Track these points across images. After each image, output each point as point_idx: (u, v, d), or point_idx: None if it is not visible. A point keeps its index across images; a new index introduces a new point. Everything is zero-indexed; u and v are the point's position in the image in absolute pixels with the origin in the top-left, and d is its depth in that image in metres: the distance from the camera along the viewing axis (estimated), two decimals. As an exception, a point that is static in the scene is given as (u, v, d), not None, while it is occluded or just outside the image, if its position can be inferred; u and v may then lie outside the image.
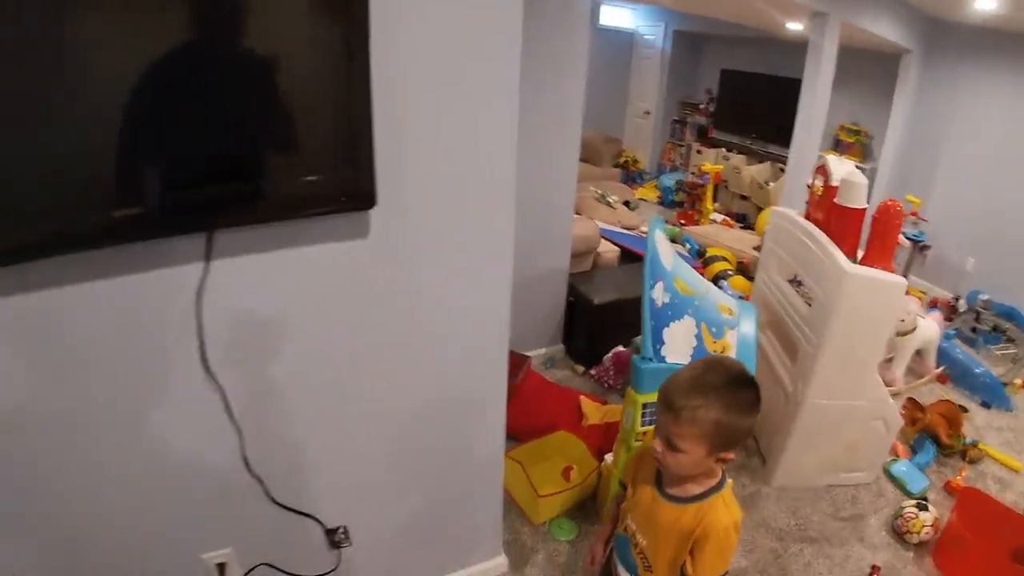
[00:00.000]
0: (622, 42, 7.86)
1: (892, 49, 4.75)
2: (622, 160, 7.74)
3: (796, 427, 2.31)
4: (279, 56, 1.05)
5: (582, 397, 2.94)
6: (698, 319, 2.04)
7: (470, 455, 1.77)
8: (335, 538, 1.65)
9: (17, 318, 1.06)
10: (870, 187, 5.16)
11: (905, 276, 4.69)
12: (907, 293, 4.11)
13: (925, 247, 4.82)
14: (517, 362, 2.91)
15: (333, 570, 1.67)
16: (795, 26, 4.60)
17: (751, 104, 6.72)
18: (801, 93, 4.25)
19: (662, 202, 6.96)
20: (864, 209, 2.19)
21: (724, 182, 6.60)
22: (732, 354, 2.02)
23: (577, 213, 4.79)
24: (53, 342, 1.12)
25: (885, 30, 4.30)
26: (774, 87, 6.06)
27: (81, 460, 1.24)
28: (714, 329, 2.05)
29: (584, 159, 7.04)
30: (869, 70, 5.45)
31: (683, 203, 6.52)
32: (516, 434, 2.50)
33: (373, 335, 1.43)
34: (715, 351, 2.00)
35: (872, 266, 2.11)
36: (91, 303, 1.11)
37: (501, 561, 2.05)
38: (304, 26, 1.05)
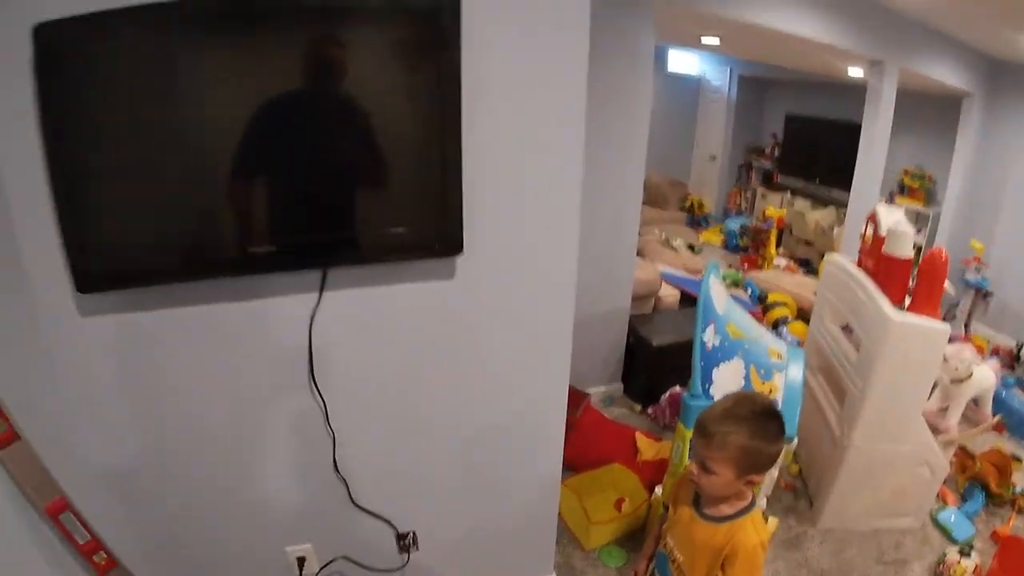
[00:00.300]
0: (689, 87, 8.03)
1: (953, 93, 4.72)
2: (688, 204, 7.83)
3: (842, 470, 2.36)
4: (389, 129, 1.30)
5: (637, 433, 3.05)
6: (747, 361, 2.16)
7: (530, 477, 1.92)
8: (404, 542, 1.84)
9: (177, 321, 1.37)
10: (933, 232, 5.11)
11: (967, 324, 4.64)
12: (968, 340, 4.05)
13: (988, 294, 4.70)
14: (577, 398, 3.07)
15: (400, 568, 1.85)
16: (856, 72, 4.64)
17: (815, 149, 6.74)
18: (861, 138, 4.28)
19: (726, 246, 6.99)
20: (910, 259, 2.27)
21: (788, 227, 6.61)
22: (779, 396, 2.12)
23: (640, 256, 4.96)
24: (203, 344, 1.42)
25: (944, 74, 4.31)
26: (838, 131, 6.09)
27: (200, 444, 1.52)
28: (762, 371, 2.16)
29: (649, 202, 7.23)
30: (931, 114, 5.41)
31: (747, 248, 6.55)
32: (573, 465, 2.66)
33: (450, 363, 1.64)
34: (764, 391, 2.12)
35: (918, 313, 2.18)
36: (228, 319, 1.39)
37: (551, 579, 2.17)
38: (410, 106, 1.30)
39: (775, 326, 4.26)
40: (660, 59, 7.32)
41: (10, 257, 1.23)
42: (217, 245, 1.30)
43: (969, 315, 4.65)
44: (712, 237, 7.25)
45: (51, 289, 1.27)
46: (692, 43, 5.35)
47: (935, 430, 2.88)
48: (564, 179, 1.53)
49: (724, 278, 5.49)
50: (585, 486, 2.60)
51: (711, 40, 4.49)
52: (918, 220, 5.45)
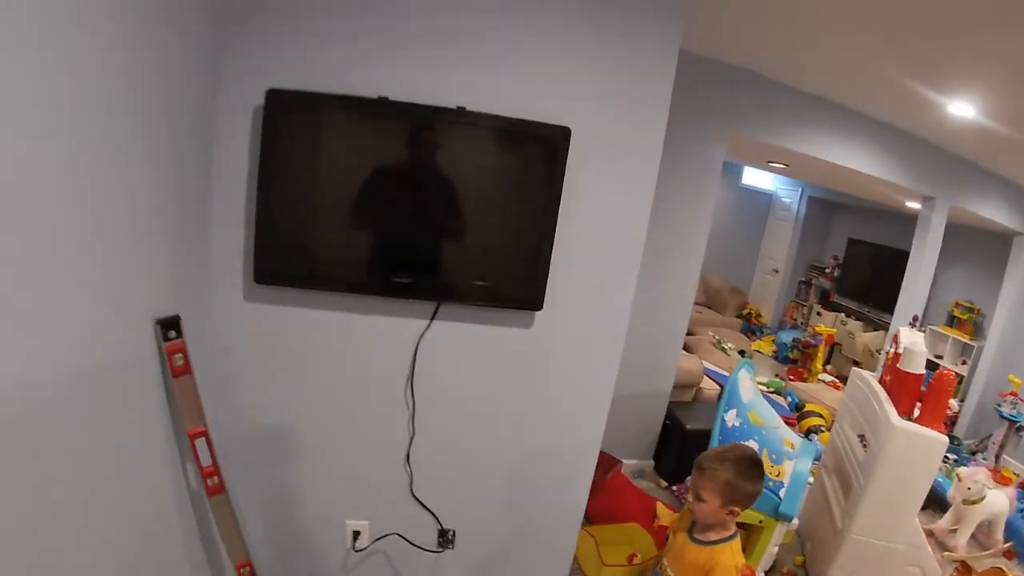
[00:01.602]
0: (761, 202, 8.46)
1: (1004, 230, 4.91)
2: (746, 311, 8.14)
3: (838, 560, 2.59)
4: (507, 211, 1.83)
5: (658, 503, 3.35)
6: (761, 445, 2.50)
7: (558, 505, 2.27)
8: (446, 537, 2.22)
9: (332, 323, 1.90)
10: (975, 364, 5.23)
11: (998, 455, 4.72)
12: (999, 472, 4.15)
13: (1021, 427, 4.80)
14: (610, 462, 3.43)
15: (439, 552, 2.23)
16: (915, 204, 4.89)
17: (873, 273, 6.99)
18: (908, 265, 4.51)
19: (777, 356, 7.23)
20: (920, 375, 2.57)
21: (838, 345, 6.81)
22: (786, 480, 2.44)
23: (690, 351, 5.30)
24: (335, 340, 1.93)
25: (994, 213, 4.55)
26: (896, 259, 6.26)
27: (312, 416, 2.01)
28: (774, 456, 2.49)
29: (709, 305, 7.61)
30: (985, 249, 5.60)
31: (796, 360, 6.78)
32: (597, 520, 2.98)
33: (514, 396, 2.07)
34: (771, 473, 2.44)
35: (922, 424, 2.45)
36: (359, 326, 1.92)
37: (564, 610, 2.47)
38: (525, 197, 1.83)
39: (807, 434, 4.50)
40: (735, 173, 7.81)
41: (202, 254, 1.78)
42: (369, 270, 1.84)
43: (1001, 447, 4.75)
44: (764, 346, 7.50)
45: (227, 278, 1.83)
46: (761, 164, 5.81)
47: (943, 547, 3.07)
48: (626, 266, 2.00)
49: (768, 385, 5.77)
50: (604, 536, 2.91)
51: (778, 165, 4.92)
52: (963, 352, 5.61)
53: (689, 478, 3.71)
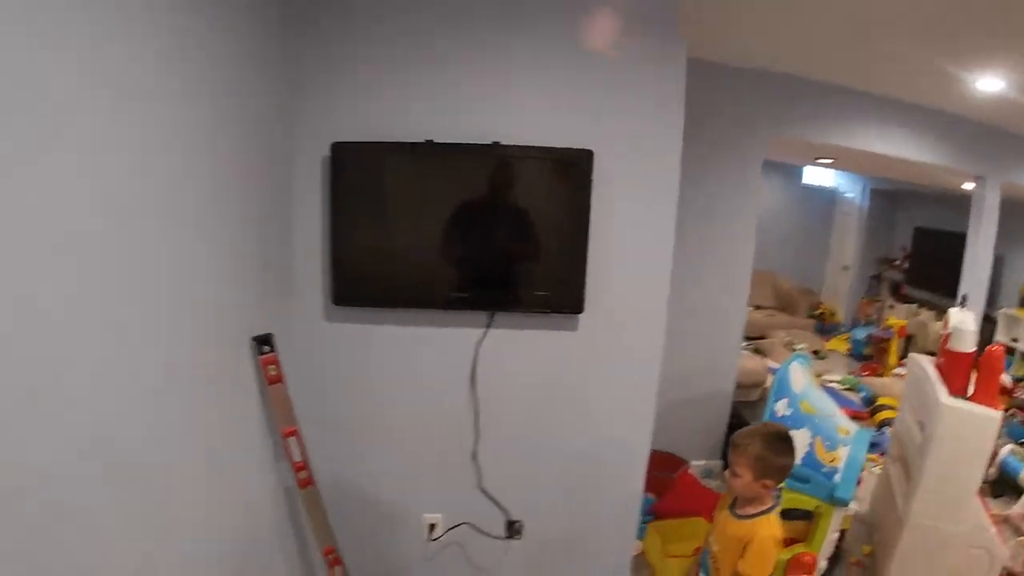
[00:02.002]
0: (824, 200, 8.34)
1: None
2: (818, 312, 8.00)
3: (900, 546, 2.58)
4: (542, 225, 2.07)
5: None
6: (814, 432, 2.58)
7: (617, 495, 2.43)
8: (513, 528, 2.42)
9: (401, 335, 2.19)
10: None
11: None
12: None
13: None
14: (677, 462, 3.59)
15: (508, 542, 2.44)
16: (971, 185, 4.72)
17: (942, 261, 6.70)
18: (966, 248, 4.41)
19: (852, 354, 7.06)
20: (971, 354, 2.57)
21: (913, 337, 6.62)
22: (839, 466, 2.51)
23: (763, 355, 5.33)
24: (406, 351, 2.22)
25: None
26: (962, 245, 6.11)
27: (389, 420, 2.29)
28: (827, 443, 2.56)
29: (780, 308, 7.56)
30: None
31: (872, 356, 6.63)
32: (665, 517, 3.13)
33: (567, 392, 2.28)
34: (825, 459, 2.51)
35: (976, 402, 2.45)
36: (430, 338, 2.19)
37: (627, 597, 2.62)
38: (556, 212, 2.07)
39: (880, 427, 4.45)
40: (795, 172, 7.77)
41: (289, 281, 2.12)
42: (429, 288, 2.12)
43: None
44: (839, 345, 7.34)
45: (310, 302, 2.17)
46: (807, 162, 5.81)
47: (1019, 532, 3.02)
48: (658, 264, 2.20)
49: (842, 382, 5.71)
50: (669, 531, 3.04)
51: (825, 161, 4.94)
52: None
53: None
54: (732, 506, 1.87)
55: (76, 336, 1.10)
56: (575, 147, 2.00)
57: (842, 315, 8.17)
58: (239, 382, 1.79)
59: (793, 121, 3.54)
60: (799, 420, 2.63)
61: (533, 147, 2.00)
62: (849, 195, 8.04)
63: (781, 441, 1.76)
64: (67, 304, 1.07)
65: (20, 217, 0.95)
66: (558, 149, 2.00)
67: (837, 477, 2.49)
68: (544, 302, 2.12)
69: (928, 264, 7.15)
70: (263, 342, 1.84)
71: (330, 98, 2.03)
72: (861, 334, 7.05)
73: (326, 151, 2.01)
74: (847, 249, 8.19)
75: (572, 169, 2.01)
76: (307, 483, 2.05)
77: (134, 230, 1.26)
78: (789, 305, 7.66)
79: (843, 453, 2.58)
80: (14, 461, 0.96)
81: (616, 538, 2.50)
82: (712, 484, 3.81)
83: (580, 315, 2.16)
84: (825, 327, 7.89)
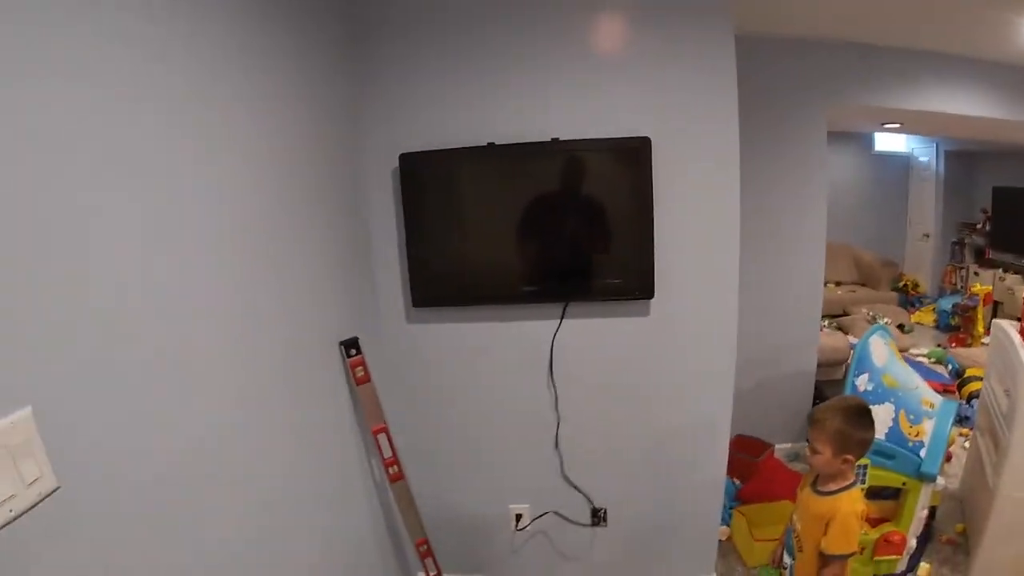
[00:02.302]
0: (898, 166, 7.95)
1: None
2: (901, 284, 7.64)
3: (992, 519, 2.46)
4: (609, 214, 2.12)
5: (806, 475, 3.38)
6: (898, 406, 2.51)
7: (699, 479, 2.43)
8: (598, 515, 2.47)
9: (479, 331, 2.29)
10: None
11: None
12: None
13: None
14: (761, 446, 3.54)
15: (593, 529, 2.48)
16: None
17: (1024, 221, 6.37)
18: None
19: (938, 325, 6.74)
20: None
21: (1000, 304, 6.26)
22: (925, 440, 2.44)
23: (846, 331, 5.17)
24: (483, 346, 2.31)
25: None
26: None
27: (473, 412, 2.39)
28: (912, 416, 2.49)
29: (862, 283, 7.29)
30: None
31: (959, 327, 6.31)
32: (751, 502, 3.09)
33: (643, 377, 2.30)
34: (910, 434, 2.45)
35: None
36: (501, 332, 2.27)
37: (712, 581, 2.60)
38: (621, 200, 2.10)
39: (969, 400, 4.25)
40: (866, 141, 7.47)
41: (370, 287, 2.24)
42: (502, 284, 2.20)
43: None
44: (925, 317, 7.02)
45: (391, 305, 2.29)
46: (876, 128, 5.57)
47: None
48: (726, 244, 2.18)
49: (929, 355, 5.47)
50: (756, 515, 2.99)
51: (892, 125, 4.75)
52: None
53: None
54: (814, 483, 1.85)
55: (196, 339, 1.26)
56: (632, 136, 2.03)
57: (926, 286, 7.77)
58: (331, 382, 1.91)
59: (851, 87, 3.42)
60: (882, 394, 2.56)
61: (591, 140, 2.04)
62: (923, 159, 7.64)
63: (860, 414, 1.73)
64: (193, 310, 1.25)
65: (152, 231, 1.13)
66: (616, 139, 2.03)
67: (923, 452, 2.42)
68: (614, 289, 2.16)
69: (1010, 225, 6.69)
70: (350, 345, 1.96)
71: (392, 110, 2.14)
72: (947, 304, 6.71)
73: (395, 162, 2.12)
74: (926, 216, 7.77)
75: (631, 158, 2.04)
76: (398, 478, 2.16)
77: (242, 247, 1.43)
78: (871, 279, 7.35)
79: (928, 427, 2.50)
80: (140, 460, 1.08)
81: (701, 523, 2.51)
82: (798, 467, 3.72)
83: (651, 300, 2.18)
84: (909, 299, 7.53)
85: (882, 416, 2.49)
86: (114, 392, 1.02)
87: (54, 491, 0.88)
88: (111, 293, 1.03)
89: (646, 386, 2.32)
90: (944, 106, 3.56)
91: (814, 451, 1.75)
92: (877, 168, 7.80)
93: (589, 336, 2.25)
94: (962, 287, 7.31)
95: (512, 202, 2.14)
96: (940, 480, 2.42)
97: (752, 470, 3.37)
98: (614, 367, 2.29)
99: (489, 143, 2.06)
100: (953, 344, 5.85)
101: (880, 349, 2.80)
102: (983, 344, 5.59)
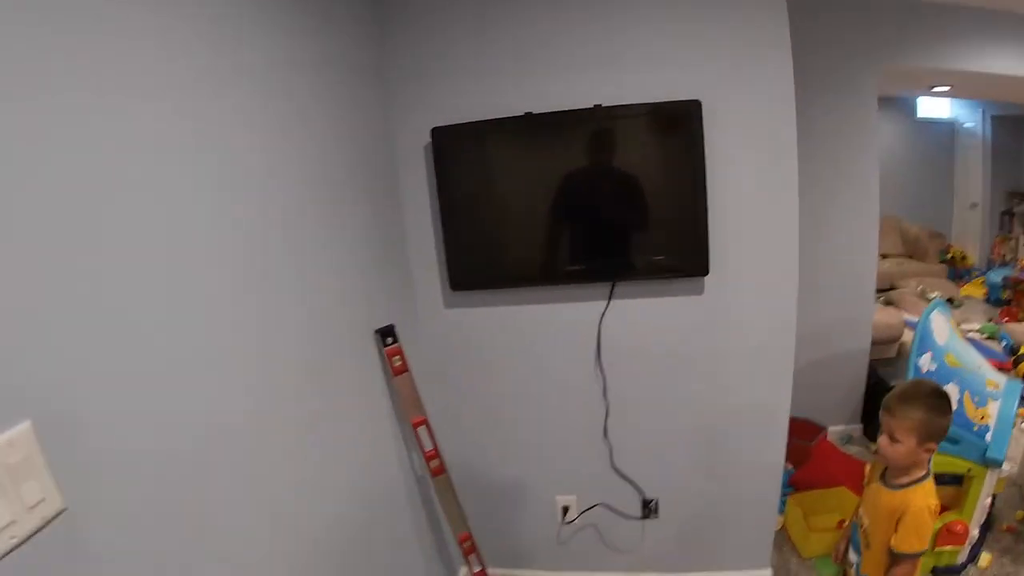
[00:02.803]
0: (943, 132, 7.59)
1: None
2: (949, 256, 7.34)
3: None
4: (656, 187, 1.96)
5: (867, 463, 3.21)
6: (962, 388, 2.33)
7: (755, 466, 2.28)
8: (649, 507, 2.34)
9: (520, 315, 2.16)
10: None
11: None
12: None
13: None
14: (814, 430, 3.37)
15: (644, 521, 2.36)
16: None
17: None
18: None
19: (989, 299, 6.45)
20: None
21: (1054, 276, 5.96)
22: (991, 423, 2.26)
23: (894, 306, 4.94)
24: (525, 330, 2.18)
25: None
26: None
27: (513, 400, 2.27)
28: (977, 398, 2.31)
29: (909, 255, 7.02)
30: None
31: (1010, 300, 6.03)
32: (804, 488, 2.94)
33: (697, 360, 2.15)
34: (975, 417, 2.27)
35: None
36: (545, 315, 2.14)
37: (767, 574, 2.43)
38: (670, 171, 1.94)
39: (1024, 377, 4.02)
40: (909, 107, 7.16)
41: (406, 273, 2.14)
42: (544, 263, 2.06)
43: None
44: (974, 291, 6.73)
45: (428, 290, 2.17)
46: (922, 90, 5.30)
47: None
48: (784, 217, 2.00)
49: (981, 331, 5.22)
50: (810, 503, 2.84)
51: (942, 88, 4.50)
52: None
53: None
54: (883, 476, 1.71)
55: (235, 330, 1.23)
56: (681, 99, 1.86)
57: (974, 257, 7.44)
58: (368, 372, 1.82)
59: (904, 47, 3.20)
60: (946, 375, 2.39)
61: (637, 104, 1.88)
62: (969, 124, 7.29)
63: (942, 400, 1.58)
64: (232, 300, 1.22)
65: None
66: (664, 103, 1.86)
67: (988, 436, 2.25)
68: (666, 267, 2.00)
69: (1062, 192, 6.38)
70: (386, 334, 1.85)
71: (423, 80, 2.01)
72: (996, 277, 6.43)
73: (427, 138, 1.99)
74: (973, 185, 7.42)
75: (681, 122, 1.87)
76: (439, 471, 2.06)
77: (264, 236, 1.35)
78: (918, 251, 7.10)
79: (993, 409, 2.33)
80: (157, 466, 1.00)
81: (757, 513, 2.36)
82: (852, 451, 3.56)
83: (705, 277, 2.02)
84: (958, 272, 7.22)
85: (946, 399, 2.33)
86: (126, 394, 0.93)
87: (59, 514, 0.78)
88: (124, 288, 0.94)
89: (700, 370, 2.17)
90: (998, 65, 3.32)
91: (894, 440, 1.60)
92: (921, 135, 7.46)
93: (639, 317, 2.10)
94: (1012, 259, 6.99)
95: (552, 175, 1.99)
96: (1006, 466, 2.27)
97: (805, 454, 3.22)
98: (666, 349, 2.14)
99: (526, 112, 1.91)
100: (1005, 319, 5.57)
101: (941, 326, 2.62)
102: (1039, 318, 5.33)
